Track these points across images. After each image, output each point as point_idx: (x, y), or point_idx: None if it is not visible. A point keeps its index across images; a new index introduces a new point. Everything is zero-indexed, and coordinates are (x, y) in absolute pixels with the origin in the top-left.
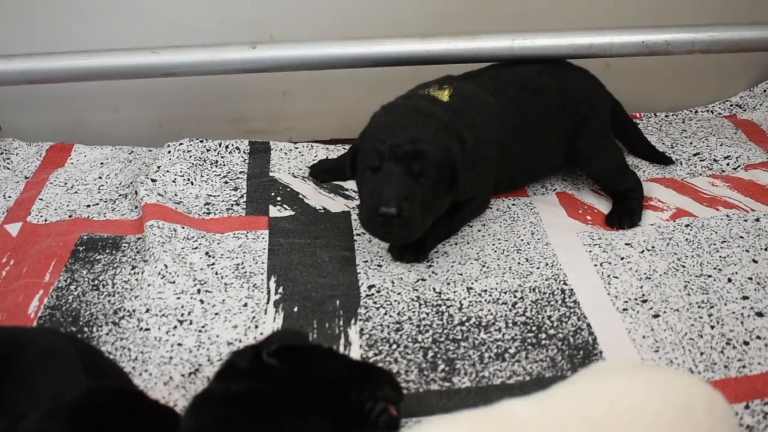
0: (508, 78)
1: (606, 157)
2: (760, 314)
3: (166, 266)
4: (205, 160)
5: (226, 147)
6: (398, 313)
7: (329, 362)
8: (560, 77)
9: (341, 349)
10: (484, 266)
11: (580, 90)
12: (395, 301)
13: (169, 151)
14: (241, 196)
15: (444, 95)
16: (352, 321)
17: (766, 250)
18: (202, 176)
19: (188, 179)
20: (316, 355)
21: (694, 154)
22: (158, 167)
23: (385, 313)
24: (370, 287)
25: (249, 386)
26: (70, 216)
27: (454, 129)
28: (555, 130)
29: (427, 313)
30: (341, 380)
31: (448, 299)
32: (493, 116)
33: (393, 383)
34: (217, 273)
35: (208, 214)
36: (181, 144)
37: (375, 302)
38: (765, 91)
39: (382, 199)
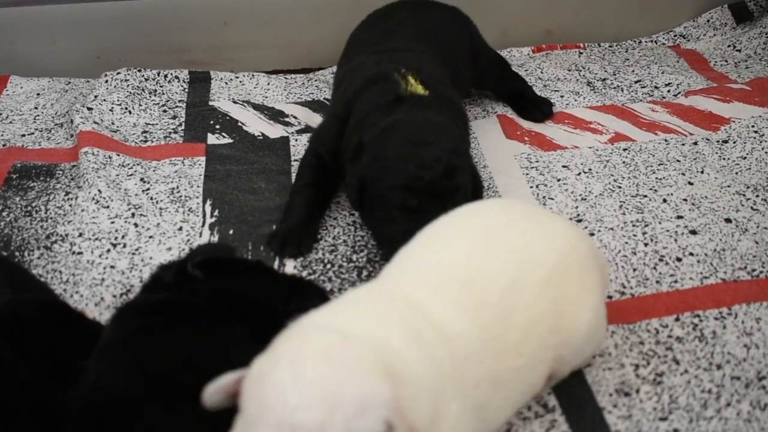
0: (415, 33)
1: (501, 65)
2: (693, 232)
3: (100, 191)
4: (143, 90)
5: (165, 76)
6: (333, 237)
7: (256, 275)
8: (445, 12)
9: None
10: None
11: (461, 16)
12: (331, 225)
13: (107, 81)
14: (180, 124)
15: (419, 87)
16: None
17: (702, 172)
18: (140, 105)
19: (126, 108)
20: (244, 268)
21: (636, 81)
22: (95, 96)
23: (320, 237)
24: None
25: (171, 296)
26: (4, 145)
27: (457, 130)
28: (464, 61)
29: (362, 236)
30: (268, 292)
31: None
32: (449, 84)
33: (322, 295)
34: (152, 198)
35: (145, 142)
36: (118, 73)
37: None
38: (708, 21)
39: None
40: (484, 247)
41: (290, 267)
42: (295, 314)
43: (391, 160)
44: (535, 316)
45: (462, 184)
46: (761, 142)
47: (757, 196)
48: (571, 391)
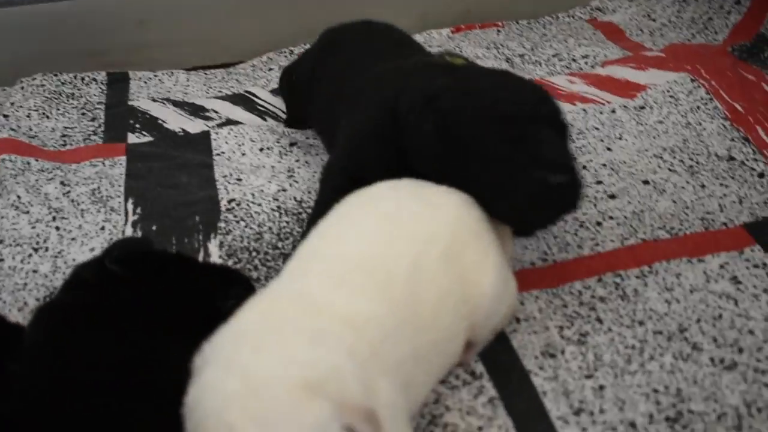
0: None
1: None
2: (612, 196)
3: (19, 197)
4: (60, 94)
5: (83, 79)
6: (258, 224)
7: (178, 266)
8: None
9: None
10: None
11: None
12: (255, 212)
13: (23, 87)
14: (99, 126)
15: (458, 60)
16: (212, 235)
17: (620, 138)
18: (58, 109)
19: (43, 113)
20: (164, 260)
21: (554, 55)
22: (11, 104)
23: (246, 225)
24: (230, 201)
25: (91, 294)
26: None
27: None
28: None
29: (288, 222)
30: (191, 283)
31: (309, 207)
32: None
33: (248, 285)
34: (72, 200)
35: (65, 145)
36: (34, 79)
37: (235, 216)
38: None
39: (553, 165)
40: (381, 232)
41: (215, 256)
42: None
43: (486, 93)
44: (442, 289)
45: (558, 110)
46: (677, 105)
47: (674, 157)
48: (498, 357)
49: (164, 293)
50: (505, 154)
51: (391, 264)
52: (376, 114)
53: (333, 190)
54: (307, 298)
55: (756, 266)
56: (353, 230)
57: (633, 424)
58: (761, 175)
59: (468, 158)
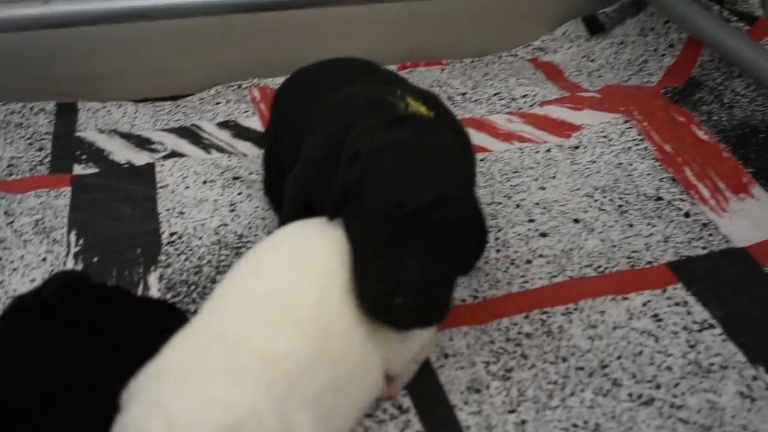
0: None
1: None
2: (543, 234)
3: None
4: (9, 123)
5: (32, 109)
6: (198, 258)
7: (114, 299)
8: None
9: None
10: None
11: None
12: (196, 246)
13: None
14: (46, 156)
15: (422, 108)
16: (152, 268)
17: (554, 177)
18: (5, 139)
19: None
20: (101, 293)
21: (494, 94)
22: None
23: (186, 259)
24: (171, 234)
25: (26, 324)
26: None
27: (469, 167)
28: None
29: (227, 255)
30: (126, 316)
31: (249, 241)
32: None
33: (183, 318)
34: (16, 230)
35: (11, 175)
36: None
37: (176, 249)
38: (564, 33)
39: (400, 287)
40: (289, 271)
41: (155, 289)
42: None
43: (381, 177)
44: (348, 322)
45: (455, 220)
46: (609, 146)
47: (605, 196)
48: (424, 391)
49: (100, 326)
50: (370, 254)
51: (300, 299)
52: (330, 144)
53: (288, 216)
54: (225, 335)
55: (677, 304)
56: (264, 269)
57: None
58: (687, 215)
59: (348, 224)
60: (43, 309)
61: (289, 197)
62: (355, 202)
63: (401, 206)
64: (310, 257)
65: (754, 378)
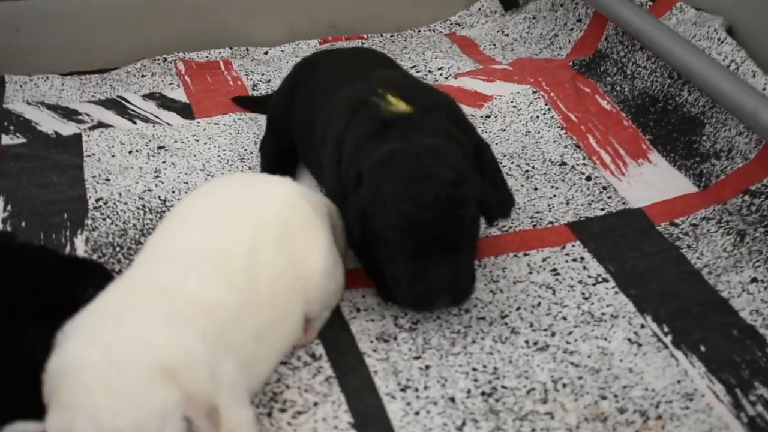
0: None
1: None
2: None
3: None
4: None
5: None
6: (123, 222)
7: (41, 258)
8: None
9: None
10: (208, 174)
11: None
12: (121, 210)
13: None
14: None
15: (401, 105)
16: (78, 231)
17: None
18: None
19: None
20: (28, 252)
21: (411, 67)
22: None
23: (111, 223)
24: (97, 200)
25: None
26: None
27: (462, 151)
28: None
29: (152, 219)
30: (53, 273)
31: (172, 206)
32: (427, 86)
33: (107, 275)
34: None
35: None
36: None
37: (102, 213)
38: (480, 9)
39: (433, 287)
40: (221, 222)
41: (81, 251)
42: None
43: (389, 198)
44: (277, 270)
45: (464, 218)
46: (518, 115)
47: (512, 162)
48: (337, 340)
49: (25, 281)
50: (399, 262)
51: (231, 251)
52: (333, 153)
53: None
54: (160, 284)
55: (574, 260)
56: (194, 222)
57: (452, 399)
58: (588, 179)
59: (374, 246)
60: None
61: (325, 187)
62: (373, 222)
63: (416, 221)
64: (240, 209)
65: (642, 326)
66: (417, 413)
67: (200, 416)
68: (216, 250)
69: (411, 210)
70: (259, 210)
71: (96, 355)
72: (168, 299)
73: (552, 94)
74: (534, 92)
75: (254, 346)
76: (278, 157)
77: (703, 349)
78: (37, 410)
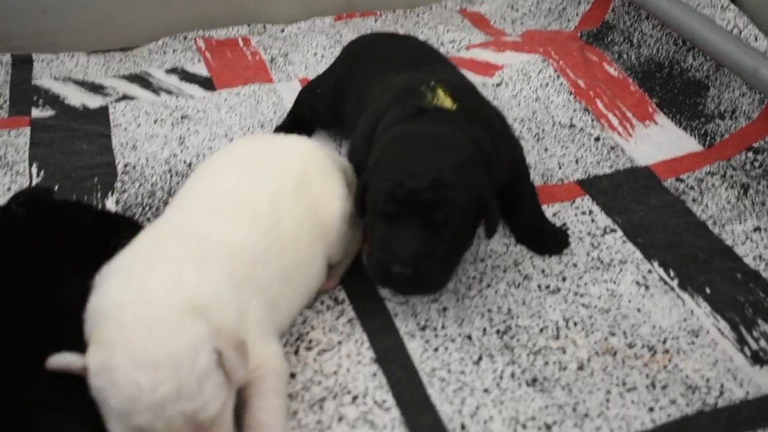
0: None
1: None
2: None
3: None
4: None
5: None
6: (152, 184)
7: (77, 212)
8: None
9: None
10: (230, 140)
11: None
12: (149, 174)
13: None
14: (4, 102)
15: (447, 101)
16: (109, 193)
17: None
18: None
19: None
20: (65, 206)
21: (425, 40)
22: None
23: (140, 185)
24: (126, 165)
25: None
26: None
27: (481, 154)
28: None
29: (178, 181)
30: (89, 226)
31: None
32: (485, 100)
33: (137, 228)
34: None
35: None
36: None
37: (130, 177)
38: None
39: (395, 257)
40: (245, 173)
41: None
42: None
43: (384, 166)
44: (299, 216)
45: (451, 200)
46: (528, 82)
47: (523, 126)
48: (358, 287)
49: (63, 233)
50: (377, 228)
51: (256, 199)
52: (367, 131)
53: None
54: (190, 229)
55: (584, 213)
56: (221, 174)
57: (469, 337)
58: (597, 139)
59: (369, 214)
60: (11, 220)
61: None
62: (369, 188)
63: (402, 186)
64: (262, 161)
65: (649, 271)
66: (436, 349)
67: (229, 349)
68: (241, 198)
69: (400, 177)
70: (280, 161)
71: (131, 296)
72: (197, 243)
73: (561, 63)
74: (543, 61)
75: (279, 286)
76: (298, 122)
77: (708, 291)
78: (76, 346)
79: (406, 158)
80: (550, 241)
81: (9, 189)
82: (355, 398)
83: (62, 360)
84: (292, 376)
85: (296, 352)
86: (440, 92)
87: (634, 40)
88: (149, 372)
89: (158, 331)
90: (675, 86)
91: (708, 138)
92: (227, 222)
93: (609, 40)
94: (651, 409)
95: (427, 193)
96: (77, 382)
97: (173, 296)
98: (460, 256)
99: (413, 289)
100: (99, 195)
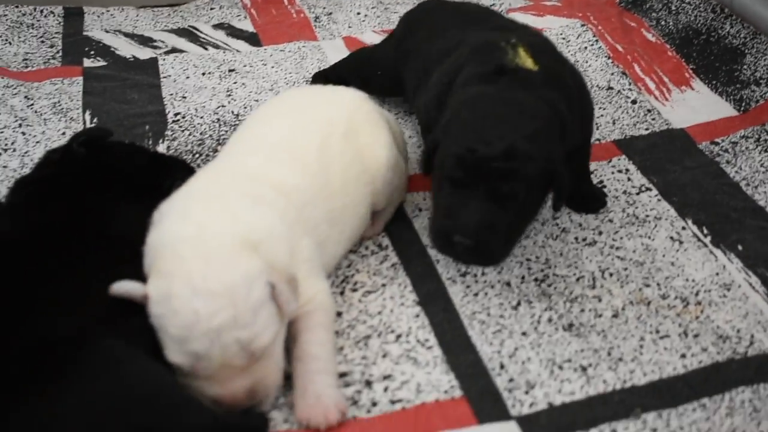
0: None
1: None
2: None
3: None
4: (21, 24)
5: (42, 11)
6: (201, 133)
7: (133, 152)
8: None
9: None
10: (276, 94)
11: None
12: (198, 124)
13: None
14: (57, 52)
15: (528, 61)
16: (161, 140)
17: None
18: (19, 37)
19: (6, 40)
20: (122, 146)
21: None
22: None
23: (189, 134)
24: (176, 114)
25: (59, 170)
26: None
27: (556, 122)
28: None
29: (226, 131)
30: (144, 166)
31: (244, 119)
32: (567, 61)
33: (190, 170)
34: (36, 111)
35: (26, 67)
36: None
37: (180, 126)
38: None
39: (458, 226)
40: (296, 120)
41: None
42: (175, 188)
43: (456, 129)
44: (346, 162)
45: (522, 172)
46: (567, 46)
47: None
48: (401, 234)
49: (120, 170)
50: (442, 194)
51: (305, 143)
52: (442, 82)
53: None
54: (245, 170)
55: (620, 171)
56: (273, 120)
57: (508, 283)
58: (634, 102)
59: (434, 173)
60: (72, 157)
61: (421, 124)
62: (439, 148)
63: (472, 152)
64: (312, 109)
65: (683, 228)
66: (476, 294)
67: (281, 283)
68: (292, 142)
69: (471, 143)
70: (329, 109)
71: (190, 230)
72: (252, 183)
73: (599, 27)
74: (582, 25)
75: (327, 228)
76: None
77: (740, 248)
78: (132, 275)
79: (479, 123)
80: (590, 200)
81: (63, 134)
82: (398, 337)
83: (125, 287)
84: (339, 315)
85: (342, 293)
86: (521, 51)
87: (673, 7)
88: (207, 300)
89: (216, 264)
90: (712, 53)
91: (743, 103)
92: (279, 165)
93: (647, 6)
94: (683, 356)
95: (497, 162)
96: (132, 309)
97: (229, 231)
98: (525, 228)
99: (473, 260)
100: (150, 142)
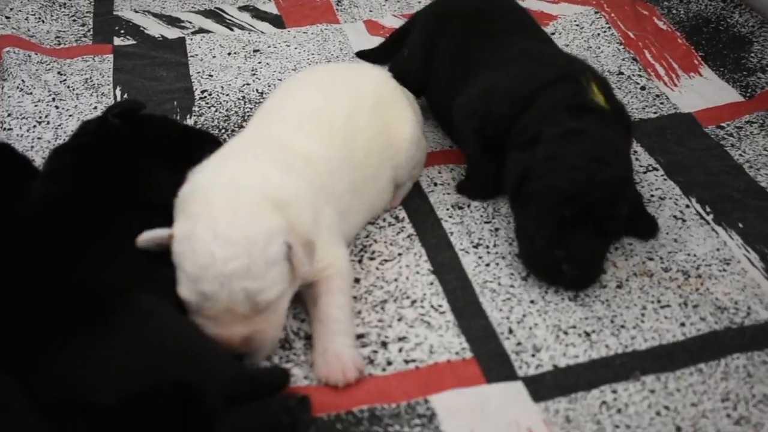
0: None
1: None
2: None
3: (23, 81)
4: (54, 2)
5: None
6: (227, 110)
7: (164, 124)
8: None
9: None
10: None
11: None
12: (224, 101)
13: None
14: (89, 30)
15: (600, 98)
16: (188, 116)
17: None
18: (51, 15)
19: (39, 18)
20: (154, 118)
21: None
22: (11, 9)
23: (216, 111)
24: (203, 92)
25: (95, 139)
26: None
27: (628, 151)
28: None
29: (251, 108)
30: (174, 136)
31: (267, 96)
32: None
33: (217, 142)
34: (69, 86)
35: (59, 45)
36: None
37: (207, 102)
38: None
39: (569, 259)
40: (324, 93)
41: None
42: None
43: (566, 166)
44: (371, 135)
45: (619, 214)
46: (581, 32)
47: None
48: (417, 208)
49: (153, 141)
50: (542, 225)
51: (333, 115)
52: (515, 93)
53: (475, 148)
54: (274, 139)
55: None
56: (300, 93)
57: (518, 255)
58: (643, 88)
59: (525, 203)
60: (107, 128)
61: (472, 128)
62: (535, 180)
63: (583, 195)
64: (339, 83)
65: (687, 206)
66: (487, 265)
67: (298, 245)
68: (319, 114)
69: (583, 183)
70: (356, 84)
71: (222, 180)
72: (282, 151)
73: (612, 15)
74: (595, 12)
75: (349, 198)
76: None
77: (741, 225)
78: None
79: (583, 161)
80: (645, 225)
81: (95, 108)
82: (413, 302)
83: (151, 234)
84: (357, 281)
85: (360, 261)
86: (595, 88)
87: None
88: (225, 246)
89: (241, 213)
90: (720, 41)
91: (749, 90)
92: (306, 134)
93: None
94: (682, 324)
95: (605, 204)
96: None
97: (260, 188)
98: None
99: (578, 287)
100: (178, 117)
